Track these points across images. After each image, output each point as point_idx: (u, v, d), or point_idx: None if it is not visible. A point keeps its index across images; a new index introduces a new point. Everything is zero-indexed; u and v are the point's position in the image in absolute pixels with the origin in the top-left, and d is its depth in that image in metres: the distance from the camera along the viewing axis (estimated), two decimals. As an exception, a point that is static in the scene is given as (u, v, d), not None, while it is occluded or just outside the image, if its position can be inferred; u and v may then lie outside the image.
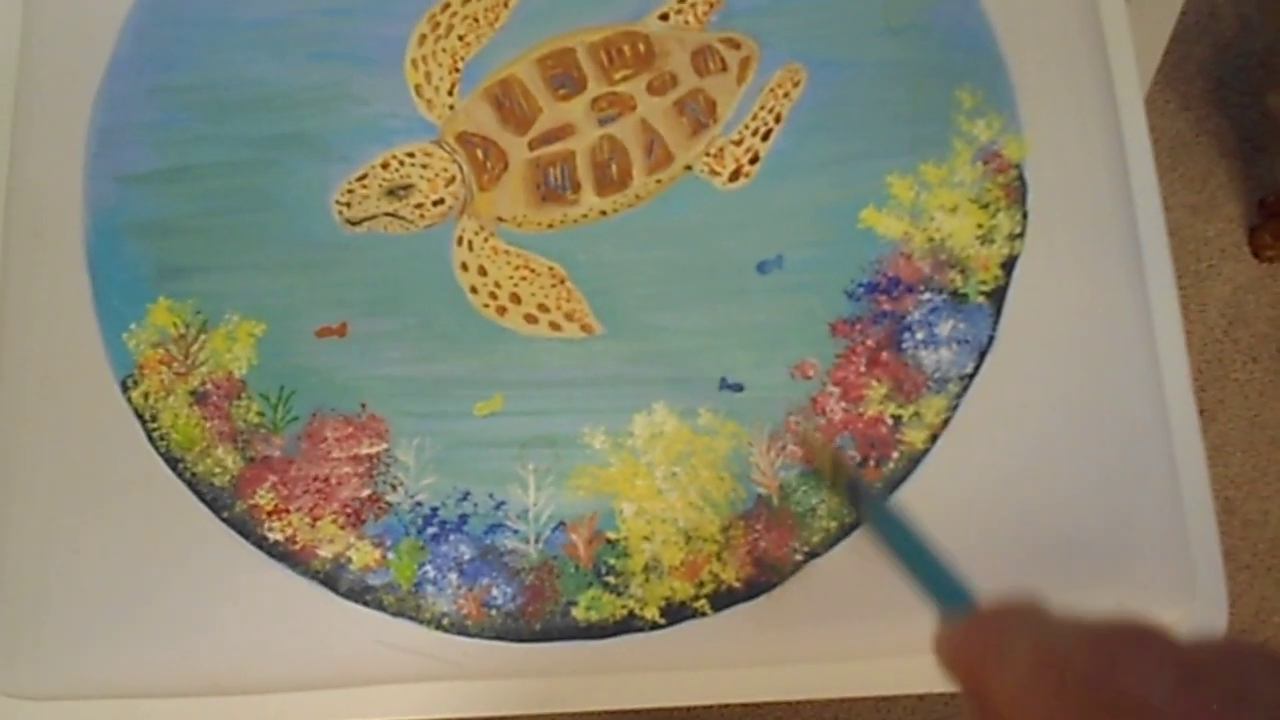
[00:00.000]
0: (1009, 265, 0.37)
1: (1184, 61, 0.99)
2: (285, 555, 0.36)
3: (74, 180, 0.39)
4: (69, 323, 0.38)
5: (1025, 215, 0.38)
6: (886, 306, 0.37)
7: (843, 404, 0.36)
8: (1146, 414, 0.36)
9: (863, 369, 0.37)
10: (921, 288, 0.37)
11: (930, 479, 0.36)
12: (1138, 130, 0.40)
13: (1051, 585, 0.35)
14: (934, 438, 0.36)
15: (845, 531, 0.35)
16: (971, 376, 0.36)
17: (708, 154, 0.39)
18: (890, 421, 0.36)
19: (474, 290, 0.38)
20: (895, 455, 0.36)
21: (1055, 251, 0.37)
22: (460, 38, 0.40)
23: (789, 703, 0.84)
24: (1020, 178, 0.38)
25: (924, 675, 0.36)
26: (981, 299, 0.37)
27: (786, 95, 0.39)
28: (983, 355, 0.37)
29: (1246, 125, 0.97)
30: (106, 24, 0.41)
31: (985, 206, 0.38)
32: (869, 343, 0.37)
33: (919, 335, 0.37)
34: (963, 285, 0.37)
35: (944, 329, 0.37)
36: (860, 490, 0.30)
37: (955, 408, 0.36)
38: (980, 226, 0.38)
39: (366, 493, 0.36)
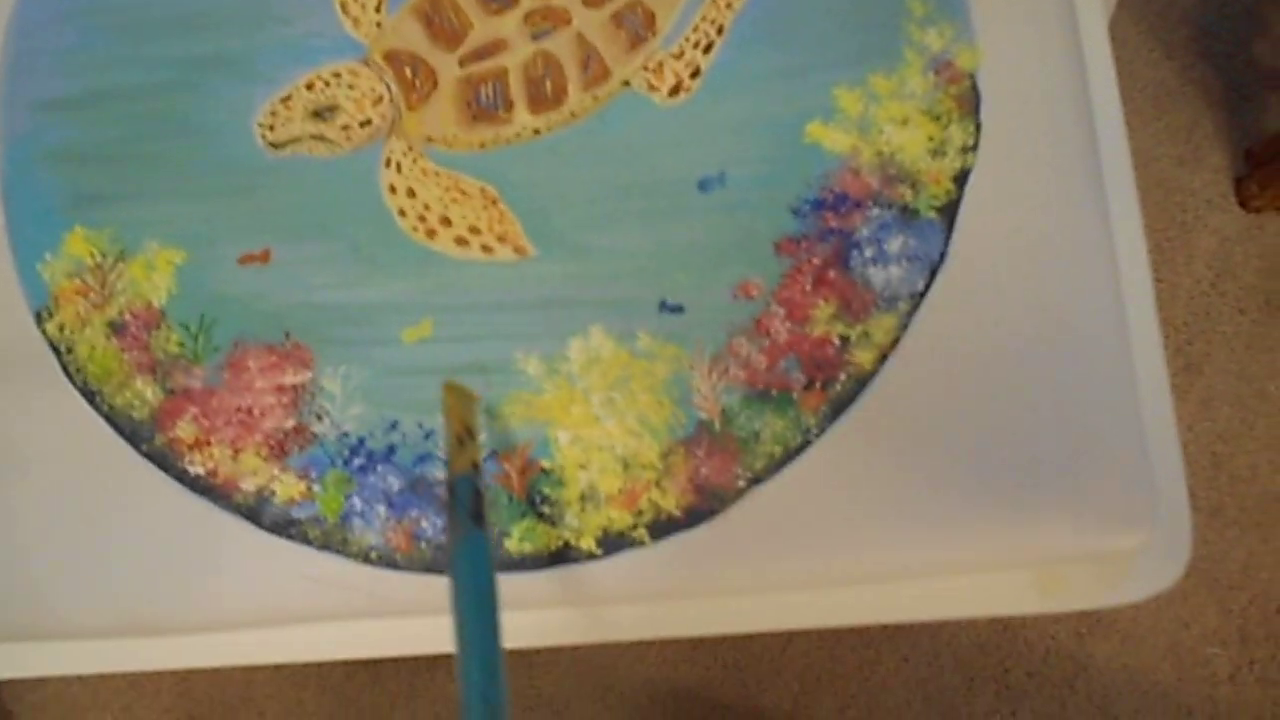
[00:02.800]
0: (961, 179, 0.36)
1: (1169, 9, 0.97)
2: (207, 489, 0.34)
3: (-14, 106, 0.37)
4: (-19, 254, 0.36)
5: (978, 127, 0.36)
6: (834, 224, 0.35)
7: (788, 324, 0.35)
8: (1106, 335, 0.35)
9: (809, 288, 0.35)
10: (870, 203, 0.35)
11: (878, 401, 0.34)
12: (1098, 40, 0.38)
13: (1005, 511, 0.33)
14: (883, 358, 0.34)
15: (789, 456, 0.34)
16: (922, 295, 0.35)
17: (646, 68, 0.37)
18: (837, 342, 0.34)
19: (402, 213, 0.36)
20: (842, 377, 0.34)
21: (1010, 165, 0.36)
22: (388, -48, 0.38)
23: (750, 637, 0.82)
24: (973, 88, 0.36)
25: (870, 606, 0.35)
26: (933, 214, 0.35)
27: (729, 6, 0.37)
28: (934, 273, 0.35)
29: (1232, 74, 0.95)
30: (20, -55, 0.39)
31: (937, 118, 0.36)
32: (815, 261, 0.35)
33: (868, 253, 0.35)
34: (913, 200, 0.35)
35: (894, 246, 0.35)
36: (463, 497, 0.28)
37: (905, 327, 0.35)
38: (931, 139, 0.36)
39: (291, 423, 0.34)
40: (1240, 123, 0.94)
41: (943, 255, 0.35)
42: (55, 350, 0.35)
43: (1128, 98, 0.94)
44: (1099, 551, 0.33)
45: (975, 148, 0.36)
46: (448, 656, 0.37)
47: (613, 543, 0.33)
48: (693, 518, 0.33)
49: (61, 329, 0.35)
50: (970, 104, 0.36)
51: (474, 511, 0.28)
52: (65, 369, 0.35)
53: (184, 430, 0.35)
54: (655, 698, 0.88)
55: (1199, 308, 0.92)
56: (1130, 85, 0.94)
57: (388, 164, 0.36)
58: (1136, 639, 0.87)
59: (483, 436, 0.34)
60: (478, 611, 0.26)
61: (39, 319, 0.36)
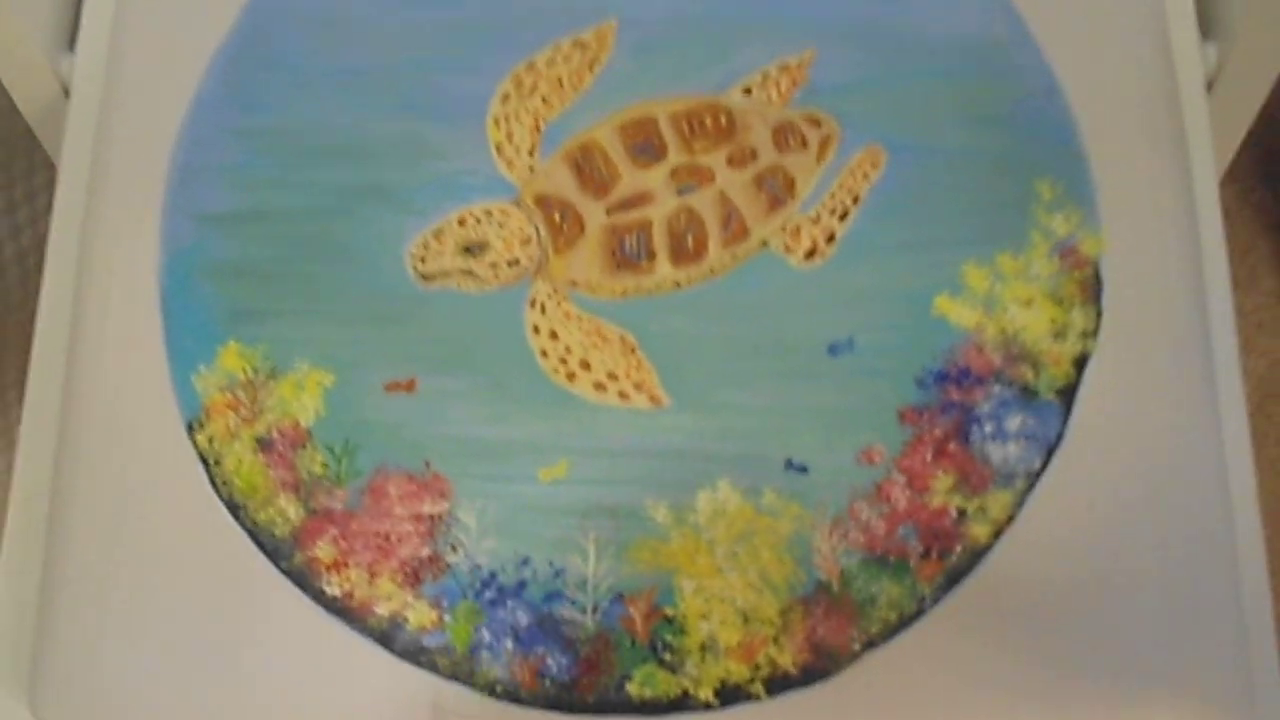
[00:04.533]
0: (1081, 363, 0.37)
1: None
2: (342, 610, 0.35)
3: (151, 218, 0.39)
4: (139, 361, 0.38)
5: (1100, 314, 0.38)
6: (956, 397, 0.37)
7: (908, 492, 0.36)
8: (1211, 525, 0.36)
9: (930, 458, 0.36)
10: (992, 380, 0.37)
11: (993, 575, 0.35)
12: (1213, 229, 0.40)
13: (1107, 693, 0.35)
14: (998, 534, 0.36)
15: (905, 622, 0.35)
16: (1039, 474, 0.36)
17: (784, 230, 0.39)
18: (955, 514, 0.36)
19: (544, 354, 0.38)
20: (958, 549, 0.36)
21: (1128, 353, 0.37)
22: (544, 99, 0.40)
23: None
24: (1096, 274, 0.38)
25: (977, 774, 0.36)
26: (1052, 395, 0.37)
27: (865, 176, 0.39)
28: (1051, 453, 0.36)
29: (1291, 200, 0.97)
30: (193, 61, 0.41)
31: (1060, 302, 0.38)
32: (937, 432, 0.37)
33: (987, 428, 0.37)
34: (1034, 380, 0.37)
35: (1013, 424, 0.37)
36: None
37: (1021, 504, 0.36)
38: (1054, 321, 0.38)
39: (426, 552, 0.36)
40: (1296, 249, 0.96)
41: (1060, 437, 0.37)
42: (204, 461, 0.37)
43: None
44: (1197, 738, 0.35)
45: (1096, 333, 0.37)
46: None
47: (729, 694, 0.35)
48: (808, 676, 0.35)
49: (211, 441, 0.37)
50: (1093, 290, 0.38)
51: None
52: (212, 480, 0.37)
53: (323, 551, 0.36)
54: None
55: (1245, 428, 0.93)
56: (1190, 204, 0.96)
57: (532, 304, 0.38)
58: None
59: (610, 581, 0.35)
60: None
61: (190, 429, 0.37)
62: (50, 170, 0.56)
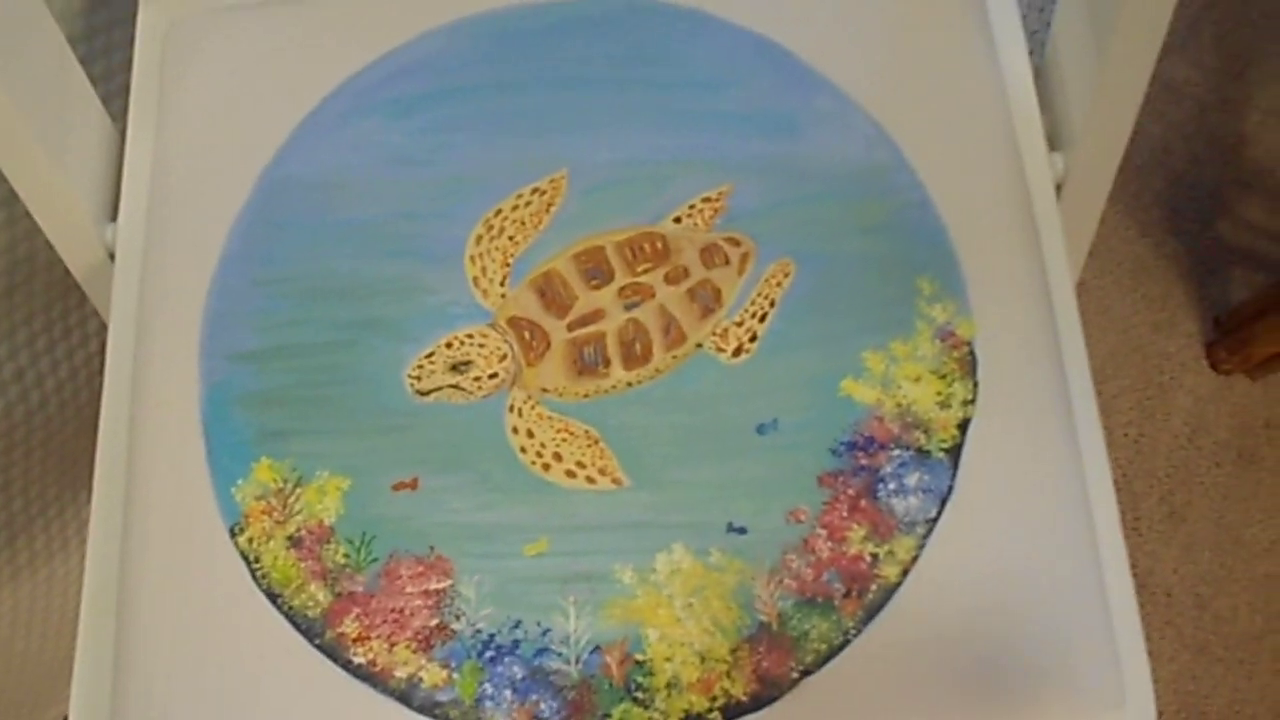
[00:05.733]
0: (964, 426, 0.45)
1: (1142, 192, 1.08)
2: (368, 676, 0.43)
3: (191, 358, 0.47)
4: (185, 479, 0.45)
5: (976, 384, 0.46)
6: (864, 461, 0.45)
7: (829, 543, 0.44)
8: (1080, 549, 0.44)
9: (845, 514, 0.44)
10: (892, 445, 0.45)
11: (903, 609, 0.43)
12: (1068, 309, 0.49)
13: (1003, 702, 0.42)
14: (905, 572, 0.43)
15: (834, 652, 0.42)
16: (935, 520, 0.44)
17: (715, 334, 0.47)
18: (869, 559, 0.44)
19: (523, 450, 0.45)
20: (873, 588, 0.43)
21: (1002, 415, 0.45)
22: (510, 238, 0.48)
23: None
24: (971, 353, 0.46)
25: (902, 775, 0.43)
26: (942, 455, 0.45)
27: (779, 284, 0.48)
28: (944, 502, 0.44)
29: (1200, 250, 1.06)
30: (217, 225, 0.49)
31: (943, 377, 0.46)
32: (850, 492, 0.44)
33: (891, 485, 0.45)
34: (926, 443, 0.45)
35: (911, 480, 0.45)
36: None
37: (922, 547, 0.44)
38: (940, 394, 0.46)
39: (435, 622, 0.43)
40: (1209, 293, 1.05)
41: (950, 488, 0.44)
42: (245, 560, 0.44)
43: (1108, 270, 1.05)
44: (1082, 732, 0.42)
45: (974, 401, 0.46)
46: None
47: (693, 723, 0.42)
48: (758, 703, 0.42)
49: (250, 542, 0.44)
50: (969, 365, 0.46)
51: None
52: (253, 575, 0.44)
53: (349, 627, 0.43)
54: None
55: (1179, 460, 1.01)
56: (1109, 260, 1.06)
57: (511, 409, 0.46)
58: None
59: (589, 635, 0.43)
60: None
61: (232, 533, 0.45)
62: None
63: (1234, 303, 1.02)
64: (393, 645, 0.43)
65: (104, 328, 0.51)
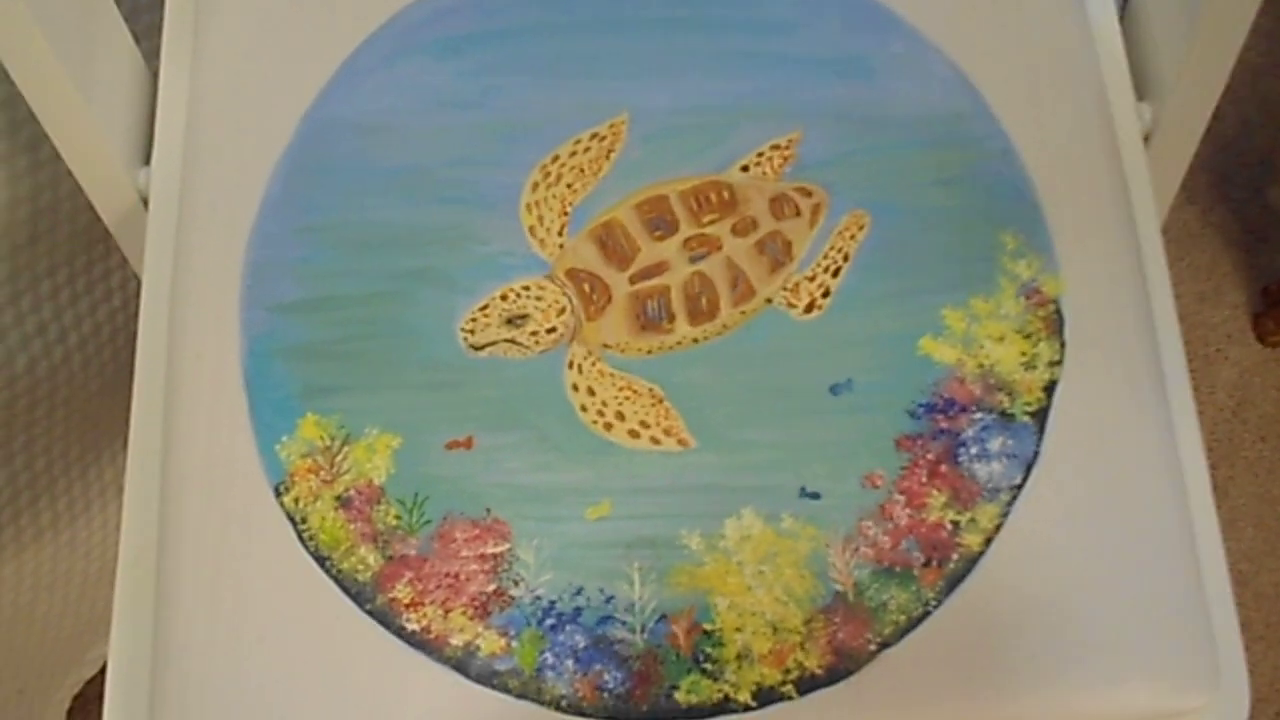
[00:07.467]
0: (1050, 388, 0.43)
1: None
2: (422, 644, 0.40)
3: (231, 309, 0.45)
4: (228, 435, 0.43)
5: (1063, 344, 0.43)
6: (944, 424, 0.42)
7: (908, 510, 0.42)
8: (1172, 522, 0.41)
9: (924, 479, 0.42)
10: (974, 408, 0.43)
11: (986, 579, 0.41)
12: (1158, 267, 0.46)
13: (1092, 675, 0.40)
14: (988, 541, 0.41)
15: (914, 624, 0.40)
16: (1020, 487, 0.42)
17: (785, 289, 0.45)
18: (950, 526, 0.41)
19: (583, 409, 0.43)
20: (955, 557, 0.41)
21: (1089, 376, 0.43)
22: (569, 185, 0.46)
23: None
24: (1058, 311, 0.44)
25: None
26: (1027, 418, 0.42)
27: (853, 237, 0.45)
28: (1029, 468, 0.42)
29: (1249, 218, 1.03)
30: (258, 170, 0.47)
31: (1028, 336, 0.43)
32: (929, 456, 0.42)
33: (973, 450, 0.42)
34: (1010, 406, 0.43)
35: (995, 444, 0.42)
36: None
37: (1006, 514, 0.41)
38: (1024, 354, 0.43)
39: (492, 587, 0.41)
40: (1257, 262, 1.02)
41: (1036, 453, 0.42)
42: (291, 520, 0.42)
43: (1152, 238, 1.01)
44: (1173, 711, 0.40)
45: (1061, 362, 0.43)
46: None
47: (765, 696, 0.40)
48: (833, 676, 0.40)
49: (296, 502, 0.42)
50: (1056, 325, 0.44)
51: None
52: (300, 537, 0.42)
53: (401, 592, 0.41)
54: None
55: (1223, 434, 0.99)
56: (1154, 228, 1.03)
57: (570, 366, 0.44)
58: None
59: (654, 603, 0.41)
60: None
61: (277, 493, 0.42)
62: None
63: (1282, 273, 0.99)
64: (448, 611, 0.41)
65: (129, 281, 0.48)
